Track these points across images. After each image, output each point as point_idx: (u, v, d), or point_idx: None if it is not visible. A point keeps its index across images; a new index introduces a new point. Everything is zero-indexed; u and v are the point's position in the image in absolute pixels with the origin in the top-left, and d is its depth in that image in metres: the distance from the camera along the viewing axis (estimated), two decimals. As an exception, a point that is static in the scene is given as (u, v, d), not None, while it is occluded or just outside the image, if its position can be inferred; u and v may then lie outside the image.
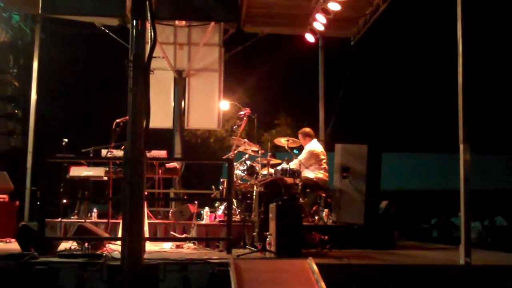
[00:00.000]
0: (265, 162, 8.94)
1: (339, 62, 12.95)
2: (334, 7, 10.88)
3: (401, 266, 6.52)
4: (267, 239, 7.06)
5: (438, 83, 24.17)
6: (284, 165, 8.66)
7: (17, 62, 11.89)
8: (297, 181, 8.42)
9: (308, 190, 8.96)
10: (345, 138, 9.81)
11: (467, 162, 6.61)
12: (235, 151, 9.30)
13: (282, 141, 9.24)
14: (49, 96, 13.95)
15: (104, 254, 6.36)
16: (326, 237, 7.43)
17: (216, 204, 9.25)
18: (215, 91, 12.47)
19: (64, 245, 7.09)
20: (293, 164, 8.81)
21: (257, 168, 8.86)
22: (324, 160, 9.35)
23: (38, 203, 8.22)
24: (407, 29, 24.38)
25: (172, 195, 11.69)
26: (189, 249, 7.82)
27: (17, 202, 9.56)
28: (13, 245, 7.55)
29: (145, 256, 5.95)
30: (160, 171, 9.99)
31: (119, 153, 9.08)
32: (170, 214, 9.74)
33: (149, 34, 5.90)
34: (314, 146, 9.45)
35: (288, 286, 5.64)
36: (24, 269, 5.80)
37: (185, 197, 12.09)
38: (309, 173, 9.12)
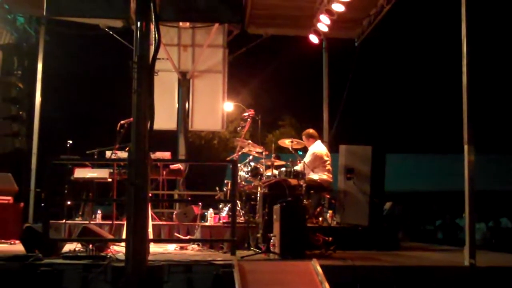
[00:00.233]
0: (269, 163, 8.93)
1: (343, 63, 12.94)
2: (338, 8, 10.87)
3: (405, 268, 6.51)
4: (271, 241, 7.05)
5: (443, 84, 24.15)
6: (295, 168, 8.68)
7: (21, 64, 11.91)
8: (301, 182, 8.41)
9: (312, 191, 8.95)
10: (349, 139, 9.81)
11: (472, 163, 6.59)
12: (239, 153, 9.30)
13: (286, 142, 9.24)
14: (53, 98, 13.96)
15: (108, 256, 6.37)
16: (330, 238, 7.42)
17: (220, 206, 9.24)
18: (219, 92, 12.47)
19: (68, 247, 7.10)
20: (299, 168, 8.81)
21: (261, 170, 8.85)
22: (328, 162, 9.34)
23: (43, 204, 8.21)
24: (411, 30, 24.36)
25: (176, 196, 11.68)
26: (193, 251, 7.82)
27: (22, 204, 9.59)
28: (17, 247, 7.56)
29: (149, 257, 5.95)
30: (164, 173, 9.99)
31: (123, 154, 9.10)
32: (174, 216, 9.74)
33: (153, 36, 5.91)
34: (318, 147, 9.43)
35: (292, 288, 5.64)
36: (29, 270, 5.81)
37: (189, 198, 12.09)
38: (313, 175, 9.11)
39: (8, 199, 9.28)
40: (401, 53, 25.62)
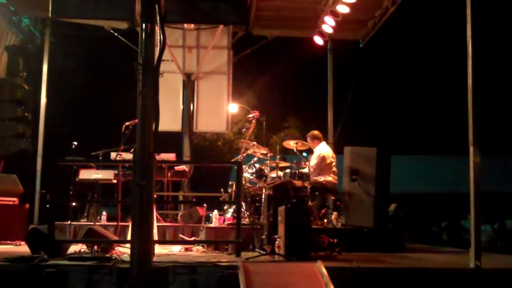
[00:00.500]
0: (273, 164, 8.93)
1: (348, 64, 12.93)
2: (343, 9, 10.87)
3: (410, 269, 6.50)
4: (276, 242, 7.04)
5: (448, 85, 24.08)
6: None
7: (27, 66, 11.96)
8: (306, 184, 8.40)
9: (317, 193, 8.95)
10: (354, 140, 9.79)
11: (477, 165, 6.58)
12: (244, 154, 9.30)
13: (291, 144, 9.23)
14: (58, 99, 13.99)
15: (113, 257, 6.38)
16: (335, 240, 7.40)
17: (225, 207, 9.25)
18: (224, 94, 12.48)
19: (73, 248, 7.11)
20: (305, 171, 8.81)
21: (266, 171, 8.85)
22: (334, 163, 9.32)
23: (48, 206, 8.24)
24: (416, 32, 24.29)
25: (181, 198, 11.69)
26: (198, 252, 7.83)
27: (27, 205, 9.62)
28: (23, 248, 7.59)
29: (154, 259, 5.96)
30: (169, 174, 10.00)
31: (128, 156, 9.11)
32: (179, 217, 9.74)
33: (158, 37, 5.92)
34: (323, 149, 9.42)
35: (297, 289, 5.63)
36: (34, 272, 5.82)
37: (194, 200, 12.09)
38: (318, 176, 9.10)
39: (14, 200, 9.31)
40: (406, 55, 25.56)
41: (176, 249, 8.06)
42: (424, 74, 26.17)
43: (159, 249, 7.59)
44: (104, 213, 9.47)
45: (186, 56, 12.51)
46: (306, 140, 9.58)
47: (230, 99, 12.52)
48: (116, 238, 7.94)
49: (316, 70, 14.87)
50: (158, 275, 5.67)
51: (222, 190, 10.08)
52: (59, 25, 11.94)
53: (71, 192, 9.46)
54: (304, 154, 9.60)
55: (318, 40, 12.31)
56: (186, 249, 8.02)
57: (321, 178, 9.07)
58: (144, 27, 5.83)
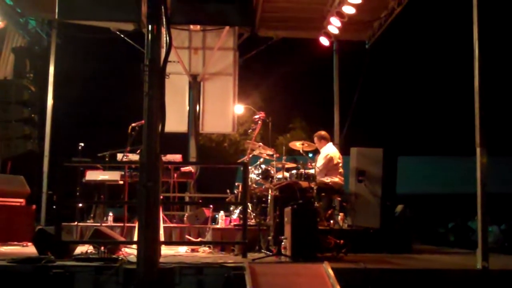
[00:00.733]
0: (280, 165, 8.92)
1: (354, 65, 12.92)
2: (349, 10, 10.87)
3: (417, 270, 6.48)
4: (282, 243, 7.04)
5: (455, 86, 24.00)
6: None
7: (33, 67, 12.01)
8: (312, 185, 8.38)
9: (323, 194, 8.93)
10: (360, 141, 9.76)
11: (484, 166, 6.55)
12: (250, 155, 9.30)
13: (297, 145, 9.20)
14: (65, 100, 14.03)
15: (120, 258, 6.39)
16: (342, 241, 7.39)
17: (231, 208, 9.25)
18: (230, 95, 12.49)
19: (80, 249, 7.13)
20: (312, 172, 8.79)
21: (272, 172, 8.85)
22: (340, 164, 9.30)
23: (55, 207, 8.27)
24: (422, 32, 24.24)
25: (187, 199, 11.70)
26: (204, 253, 7.83)
27: (34, 206, 9.65)
28: (30, 249, 7.61)
29: (161, 260, 5.96)
30: (175, 175, 10.02)
31: (134, 157, 9.14)
32: (185, 218, 9.75)
33: (164, 39, 5.93)
34: (330, 150, 9.39)
35: (303, 290, 5.62)
36: (41, 272, 5.83)
37: (200, 201, 12.09)
38: (325, 177, 9.08)
39: (21, 201, 9.34)
40: (413, 55, 25.51)
41: (182, 250, 8.07)
42: (431, 74, 26.10)
43: (165, 250, 7.60)
44: (110, 214, 9.48)
45: (192, 58, 12.53)
46: (312, 141, 9.55)
47: (236, 100, 12.53)
48: (122, 239, 7.96)
49: (322, 71, 14.86)
50: (165, 276, 5.67)
51: (228, 191, 10.09)
52: (65, 26, 11.98)
53: (77, 193, 9.48)
54: (310, 155, 9.59)
55: (324, 41, 12.31)
56: (193, 250, 8.02)
57: (328, 179, 9.06)
58: (150, 28, 5.83)
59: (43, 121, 11.78)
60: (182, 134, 12.54)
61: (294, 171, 8.69)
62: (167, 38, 5.88)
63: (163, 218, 8.70)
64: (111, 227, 8.61)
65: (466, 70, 7.18)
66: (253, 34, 12.87)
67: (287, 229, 7.03)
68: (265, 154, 9.24)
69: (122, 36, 12.41)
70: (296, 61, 19.97)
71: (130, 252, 6.95)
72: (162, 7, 5.83)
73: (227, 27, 11.74)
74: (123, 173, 9.21)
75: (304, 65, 20.09)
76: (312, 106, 21.98)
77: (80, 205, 9.59)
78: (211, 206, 9.56)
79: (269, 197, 8.33)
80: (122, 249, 7.15)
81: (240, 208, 8.71)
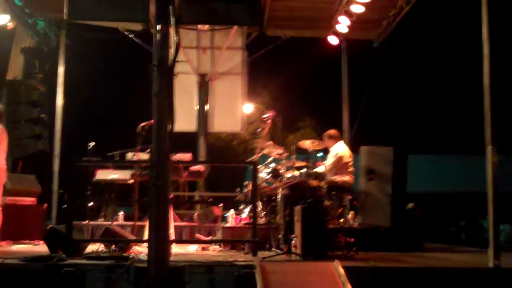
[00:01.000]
0: (289, 164, 8.92)
1: (362, 64, 12.89)
2: (357, 9, 10.85)
3: (428, 269, 6.46)
4: (293, 242, 7.04)
5: (465, 84, 23.88)
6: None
7: (42, 67, 12.09)
8: (322, 183, 8.38)
9: (333, 192, 8.90)
10: (370, 140, 9.73)
11: (495, 164, 6.52)
12: (259, 154, 9.30)
13: (307, 144, 9.19)
14: (74, 100, 14.10)
15: (130, 256, 6.40)
16: (352, 239, 7.38)
17: (241, 207, 9.26)
18: (239, 94, 12.51)
19: (91, 247, 7.16)
20: (321, 171, 8.77)
21: (282, 171, 8.84)
22: (350, 163, 9.27)
23: (66, 205, 8.31)
24: (431, 31, 24.14)
25: (197, 197, 11.74)
26: (214, 252, 7.84)
27: (45, 205, 9.71)
28: (41, 247, 7.66)
29: (171, 258, 5.96)
30: (185, 174, 10.02)
31: (144, 156, 9.15)
32: (195, 217, 9.77)
33: (173, 39, 5.94)
34: (340, 148, 9.34)
35: (314, 289, 5.62)
36: (52, 271, 5.86)
37: (210, 199, 12.12)
38: (335, 176, 9.06)
39: (32, 200, 9.41)
40: (422, 54, 25.41)
41: (192, 248, 8.09)
42: (440, 73, 26.00)
43: (176, 249, 7.62)
44: (121, 213, 9.53)
45: (200, 57, 12.57)
46: (321, 140, 9.51)
47: (245, 99, 12.54)
48: (133, 237, 7.98)
49: (331, 69, 14.84)
50: (175, 274, 5.67)
51: (238, 190, 10.09)
52: (74, 27, 12.03)
53: (88, 192, 9.53)
54: (320, 154, 9.57)
55: (333, 40, 12.30)
56: (203, 249, 8.05)
57: (338, 178, 9.03)
58: (158, 28, 5.84)
59: (53, 121, 11.84)
60: (191, 133, 12.57)
61: (303, 170, 8.67)
62: (176, 38, 5.88)
63: (173, 217, 8.72)
64: (122, 226, 8.65)
65: (475, 68, 7.15)
66: (262, 34, 12.88)
67: (297, 228, 7.03)
68: (274, 153, 9.23)
69: (131, 36, 12.45)
70: (305, 60, 19.92)
71: (141, 250, 6.97)
72: (170, 7, 5.83)
73: (235, 27, 11.75)
74: (133, 172, 9.24)
75: (313, 64, 20.04)
76: (321, 104, 21.94)
77: (91, 204, 9.62)
78: (221, 204, 9.58)
79: (279, 196, 8.32)
80: (133, 248, 7.19)
81: (249, 206, 8.72)
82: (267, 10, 11.86)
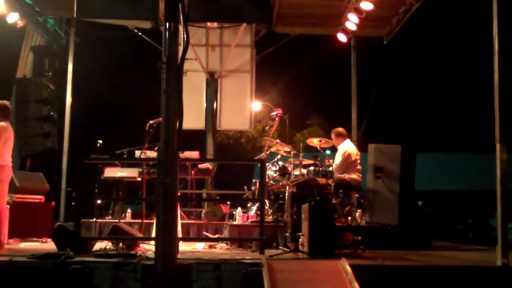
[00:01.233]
0: (297, 162, 8.91)
1: (371, 61, 12.85)
2: (367, 6, 10.81)
3: (436, 267, 6.43)
4: (300, 240, 7.03)
5: (474, 81, 23.77)
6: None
7: (52, 66, 12.12)
8: (330, 181, 8.37)
9: (341, 190, 8.90)
10: (378, 138, 9.70)
11: (504, 162, 6.49)
12: (267, 152, 9.30)
13: (315, 142, 9.19)
14: (83, 98, 14.15)
15: (138, 254, 6.43)
16: (360, 237, 7.36)
17: (249, 205, 9.26)
18: (247, 92, 12.50)
19: (99, 245, 7.19)
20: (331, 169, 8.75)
21: (289, 169, 8.83)
22: (358, 161, 9.26)
23: (74, 203, 8.35)
24: (441, 28, 24.02)
25: (204, 195, 11.75)
26: (221, 249, 7.85)
27: (53, 203, 9.74)
28: (49, 245, 7.69)
29: (179, 256, 5.99)
30: (192, 172, 10.05)
31: (152, 154, 9.18)
32: (202, 215, 9.79)
33: (182, 36, 5.94)
34: (348, 146, 9.35)
35: (321, 287, 5.61)
36: (60, 268, 5.89)
37: (218, 197, 12.13)
38: (343, 174, 9.05)
39: (40, 198, 9.44)
40: (431, 51, 25.30)
41: (200, 246, 8.10)
42: (450, 70, 25.87)
43: (183, 246, 7.63)
44: (128, 210, 9.55)
45: (209, 55, 12.56)
46: (329, 138, 9.51)
47: (253, 97, 12.53)
48: (140, 235, 8.00)
49: (340, 67, 14.80)
50: (183, 272, 5.68)
51: (245, 187, 10.10)
52: (83, 25, 12.06)
53: (96, 190, 9.57)
54: (327, 152, 9.56)
55: (342, 37, 12.27)
56: (210, 246, 8.06)
57: (345, 176, 9.03)
58: (167, 26, 5.84)
59: (62, 119, 11.88)
60: (199, 131, 12.57)
61: (311, 168, 8.66)
62: (185, 36, 5.89)
63: (180, 215, 8.74)
64: (130, 224, 8.68)
65: (485, 65, 7.11)
66: (270, 31, 12.86)
67: (305, 226, 7.02)
68: (282, 151, 9.23)
69: (140, 34, 12.47)
70: (314, 58, 19.88)
71: (148, 248, 6.99)
72: (180, 4, 5.84)
73: (244, 24, 11.74)
74: (141, 170, 9.27)
75: (322, 62, 20.00)
76: (330, 102, 21.90)
77: (99, 201, 9.66)
78: (228, 202, 9.59)
79: (287, 194, 8.32)
80: (140, 245, 7.21)
81: (257, 204, 8.72)
82: (276, 7, 11.84)
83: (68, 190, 11.35)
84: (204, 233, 8.91)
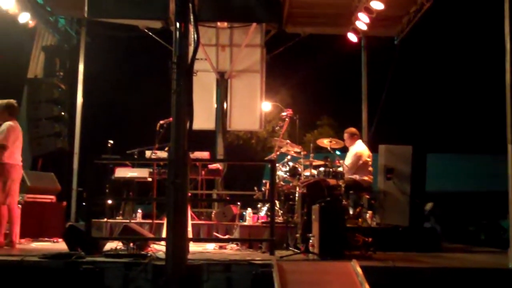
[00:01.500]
0: (307, 163, 8.89)
1: (382, 61, 12.79)
2: (377, 6, 10.75)
3: (446, 269, 6.38)
4: (310, 241, 7.01)
5: (486, 82, 23.64)
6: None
7: (63, 65, 12.17)
8: (340, 182, 8.34)
9: (351, 191, 8.87)
10: (389, 139, 9.66)
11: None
12: (277, 152, 9.28)
13: (325, 142, 9.15)
14: (94, 98, 14.21)
15: (149, 254, 6.44)
16: (370, 239, 7.33)
17: (259, 205, 9.25)
18: (257, 92, 12.47)
19: (110, 245, 7.21)
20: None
21: (300, 169, 8.81)
22: (369, 162, 9.22)
23: (85, 203, 8.38)
24: (452, 28, 23.91)
25: (214, 196, 11.75)
26: (232, 250, 7.85)
27: (64, 203, 9.78)
28: (60, 245, 7.72)
29: (189, 256, 5.99)
30: (203, 172, 10.05)
31: (163, 154, 9.19)
32: (213, 215, 9.79)
33: (192, 36, 5.94)
34: (360, 147, 9.31)
35: (331, 288, 5.60)
36: (71, 268, 5.91)
37: (228, 198, 12.13)
38: (354, 175, 9.01)
39: (51, 198, 9.48)
40: (442, 51, 25.19)
41: (210, 247, 8.10)
42: (461, 71, 25.74)
43: (193, 247, 7.64)
44: (139, 211, 9.57)
45: (219, 55, 12.55)
46: (340, 138, 9.46)
47: (263, 97, 12.51)
48: (151, 235, 8.02)
49: (350, 67, 14.76)
50: (193, 273, 5.69)
51: (255, 188, 10.09)
52: (94, 25, 12.09)
53: (107, 190, 9.60)
54: (338, 152, 9.52)
55: (352, 37, 12.22)
56: (220, 247, 8.05)
57: (356, 177, 8.99)
58: (178, 26, 5.85)
59: (73, 119, 11.91)
60: (209, 131, 12.57)
61: (321, 169, 8.63)
62: (195, 36, 5.88)
63: (191, 215, 8.76)
64: (140, 224, 8.69)
65: (497, 65, 7.05)
66: (280, 31, 12.82)
67: (315, 227, 7.00)
68: (292, 152, 9.22)
69: (151, 34, 12.49)
70: (324, 58, 19.88)
71: (159, 248, 7.00)
72: (190, 4, 5.84)
73: (254, 24, 11.72)
74: (151, 170, 9.29)
75: (332, 62, 19.98)
76: (340, 103, 21.88)
77: (110, 202, 9.68)
78: (238, 203, 9.58)
79: (297, 195, 8.30)
80: (151, 246, 7.22)
81: (267, 205, 8.71)
82: (286, 7, 11.81)
83: (79, 190, 11.38)
84: (215, 233, 8.91)
